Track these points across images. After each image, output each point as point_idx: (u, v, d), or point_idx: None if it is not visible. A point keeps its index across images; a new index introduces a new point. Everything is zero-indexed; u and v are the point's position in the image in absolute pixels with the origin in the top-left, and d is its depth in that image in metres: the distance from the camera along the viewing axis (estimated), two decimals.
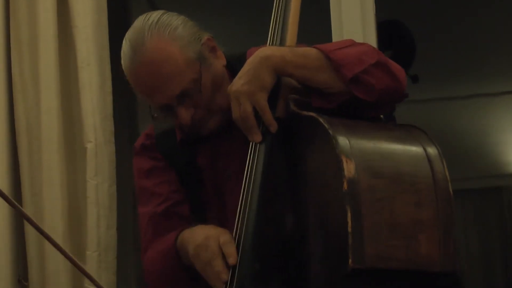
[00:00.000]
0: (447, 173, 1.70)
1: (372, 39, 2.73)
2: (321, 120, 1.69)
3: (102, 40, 2.84)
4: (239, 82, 1.78)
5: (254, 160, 1.80)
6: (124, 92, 3.34)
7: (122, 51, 1.96)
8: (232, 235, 1.80)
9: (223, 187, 2.00)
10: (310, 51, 1.81)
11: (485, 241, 7.03)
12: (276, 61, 1.78)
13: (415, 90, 2.99)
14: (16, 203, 1.71)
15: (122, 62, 1.96)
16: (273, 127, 1.79)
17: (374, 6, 2.79)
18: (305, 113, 1.76)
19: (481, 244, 7.00)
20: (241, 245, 1.77)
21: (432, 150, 1.72)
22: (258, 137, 1.79)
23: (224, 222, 1.95)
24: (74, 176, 2.81)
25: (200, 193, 2.03)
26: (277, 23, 1.88)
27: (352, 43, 1.86)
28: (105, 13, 2.87)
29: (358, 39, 2.64)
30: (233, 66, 1.97)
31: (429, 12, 4.93)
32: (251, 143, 1.82)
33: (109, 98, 2.84)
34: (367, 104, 1.79)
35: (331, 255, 1.65)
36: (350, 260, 1.58)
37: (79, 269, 1.72)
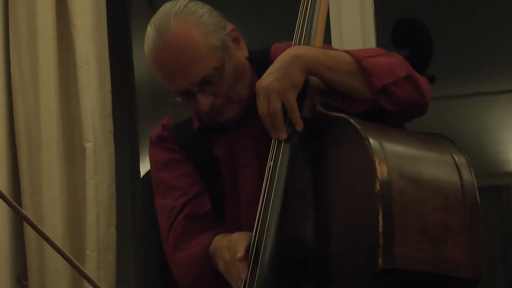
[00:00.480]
0: (475, 182, 1.73)
1: (371, 40, 2.74)
2: (352, 121, 1.71)
3: (101, 39, 2.84)
4: (269, 79, 1.79)
5: (278, 159, 1.80)
6: (123, 92, 3.35)
7: (146, 34, 1.97)
8: (251, 234, 1.82)
9: (238, 176, 2.01)
10: (343, 56, 1.83)
11: (485, 239, 7.02)
12: (308, 61, 1.79)
13: None
14: (16, 205, 1.71)
15: (146, 45, 1.97)
16: (300, 126, 1.79)
17: (373, 7, 2.80)
18: (334, 114, 1.78)
19: None
20: (262, 244, 1.78)
21: (459, 159, 1.75)
22: (283, 135, 1.80)
23: (239, 210, 1.97)
24: (74, 176, 2.81)
25: (217, 183, 2.04)
26: (305, 22, 1.89)
27: (383, 53, 1.89)
28: (104, 12, 2.87)
29: (357, 39, 2.66)
30: (256, 59, 1.98)
31: (428, 12, 4.93)
32: (273, 142, 1.82)
33: (108, 98, 2.84)
34: (389, 113, 1.81)
35: (358, 255, 1.66)
36: (380, 260, 1.59)
37: (77, 270, 1.71)
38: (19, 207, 1.74)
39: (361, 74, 1.79)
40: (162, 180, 2.08)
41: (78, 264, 1.73)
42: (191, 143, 2.06)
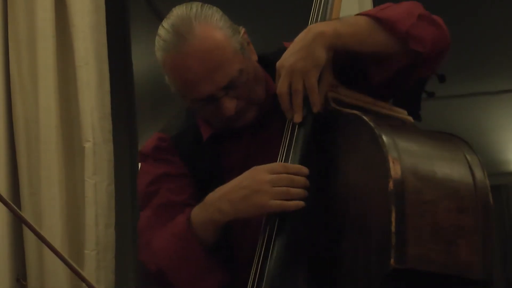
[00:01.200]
0: (487, 182, 1.71)
1: None
2: (366, 119, 1.69)
3: (100, 39, 2.84)
4: (292, 58, 1.78)
5: (291, 144, 1.79)
6: (122, 91, 3.35)
7: (162, 40, 1.89)
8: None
9: None
10: (358, 19, 1.83)
11: None
12: (330, 35, 1.78)
13: None
14: (15, 208, 1.70)
15: (162, 51, 1.89)
16: (317, 107, 1.78)
17: (372, 6, 2.80)
18: (348, 111, 1.76)
19: None
20: (272, 241, 1.76)
21: (472, 159, 1.73)
22: (299, 117, 1.79)
23: (248, 221, 1.90)
24: (73, 175, 2.81)
25: None
26: (321, 3, 1.91)
27: (391, 4, 1.88)
28: (103, 12, 2.87)
29: None
30: (269, 61, 1.94)
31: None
32: (287, 125, 1.81)
33: (107, 97, 2.84)
34: (420, 61, 1.82)
35: (370, 254, 1.64)
36: (392, 260, 1.57)
37: (75, 273, 1.70)
38: (18, 210, 1.73)
39: (383, 28, 1.80)
40: (153, 191, 2.00)
41: (76, 266, 1.72)
42: (196, 153, 2.00)
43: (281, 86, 1.79)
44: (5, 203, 1.68)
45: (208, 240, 1.85)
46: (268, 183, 1.75)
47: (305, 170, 1.76)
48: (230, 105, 1.89)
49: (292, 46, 1.80)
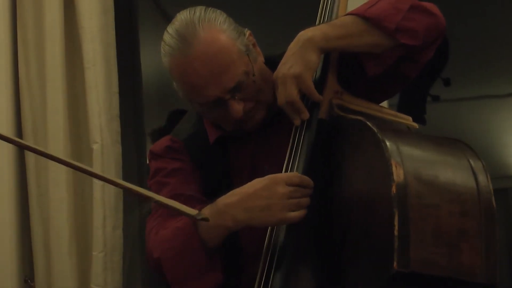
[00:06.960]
0: (491, 187, 1.71)
1: None
2: (369, 124, 1.70)
3: (108, 40, 2.85)
4: (285, 67, 1.80)
5: (297, 152, 1.81)
6: (130, 93, 3.36)
7: (167, 45, 1.89)
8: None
9: None
10: (347, 19, 1.84)
11: None
12: (319, 39, 1.80)
13: None
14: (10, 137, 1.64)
15: (168, 57, 1.89)
16: (319, 98, 1.81)
17: None
18: (352, 116, 1.78)
19: None
20: (278, 243, 1.77)
21: (476, 164, 1.73)
22: (306, 115, 1.81)
23: None
24: (80, 177, 2.81)
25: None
26: (327, 6, 1.93)
27: None
28: (111, 13, 2.88)
29: None
30: (275, 63, 1.92)
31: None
32: (293, 130, 1.83)
33: (115, 99, 2.85)
34: (415, 50, 1.83)
35: (373, 258, 1.65)
36: (395, 263, 1.58)
37: (83, 171, 1.66)
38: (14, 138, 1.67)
39: (372, 27, 1.81)
40: (164, 183, 2.00)
41: (82, 165, 1.67)
42: (204, 156, 2.01)
43: (280, 97, 1.82)
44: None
45: (213, 242, 1.85)
46: (285, 195, 1.77)
47: (312, 183, 1.79)
48: (237, 107, 1.89)
49: (284, 56, 1.82)
